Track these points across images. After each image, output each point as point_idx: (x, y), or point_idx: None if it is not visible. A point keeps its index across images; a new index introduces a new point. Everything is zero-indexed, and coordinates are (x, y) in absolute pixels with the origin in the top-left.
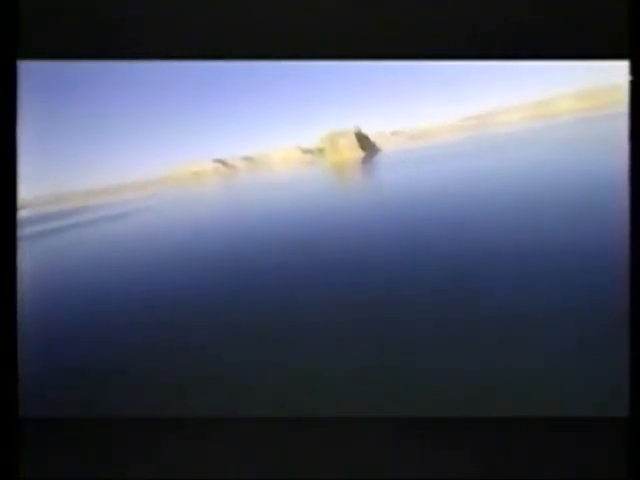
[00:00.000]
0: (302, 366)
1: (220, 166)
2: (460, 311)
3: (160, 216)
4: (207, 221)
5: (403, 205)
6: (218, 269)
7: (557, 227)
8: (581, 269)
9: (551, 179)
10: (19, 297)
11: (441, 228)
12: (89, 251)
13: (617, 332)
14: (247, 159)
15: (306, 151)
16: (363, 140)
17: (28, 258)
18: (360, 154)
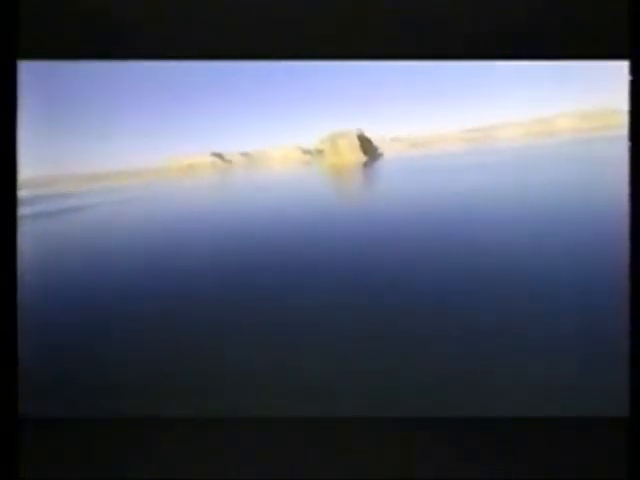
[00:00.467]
0: (302, 366)
1: (218, 160)
2: (460, 311)
3: (155, 206)
4: (201, 214)
5: (401, 210)
6: (208, 263)
7: (557, 228)
8: (581, 270)
9: (552, 193)
10: (19, 298)
11: (440, 233)
12: (81, 241)
13: (617, 332)
14: (245, 155)
15: (305, 151)
16: (365, 143)
17: (26, 240)
18: (361, 158)
